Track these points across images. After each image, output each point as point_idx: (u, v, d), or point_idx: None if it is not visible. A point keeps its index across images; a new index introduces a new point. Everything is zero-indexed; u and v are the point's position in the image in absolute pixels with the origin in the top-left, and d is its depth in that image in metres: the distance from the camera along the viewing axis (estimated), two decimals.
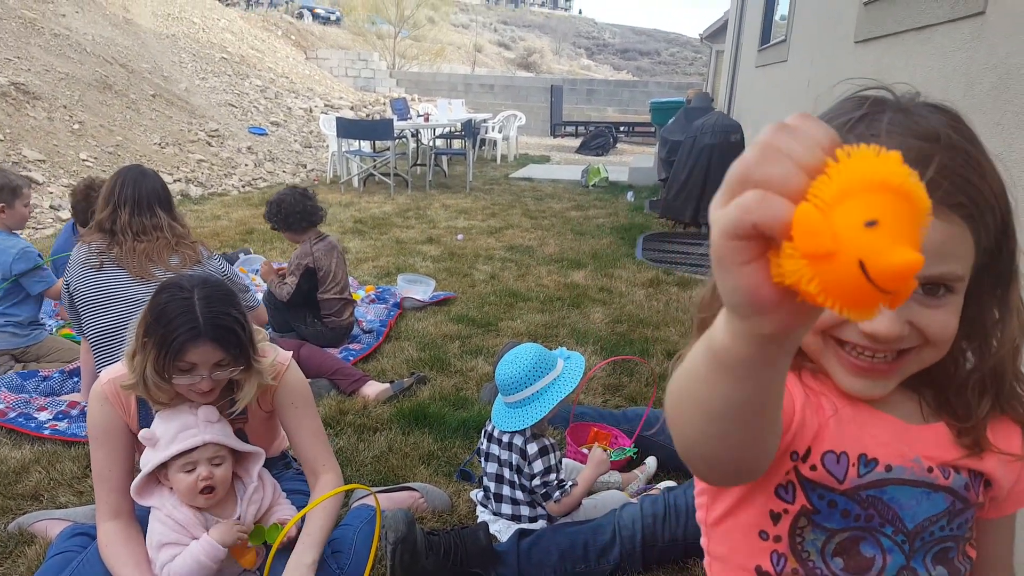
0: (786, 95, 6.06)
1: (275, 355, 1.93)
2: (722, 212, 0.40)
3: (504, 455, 2.24)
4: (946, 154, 0.70)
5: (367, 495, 2.34)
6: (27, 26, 8.66)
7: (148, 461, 1.75)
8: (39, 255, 3.28)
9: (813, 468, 0.80)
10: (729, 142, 6.83)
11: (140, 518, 1.87)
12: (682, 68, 52.93)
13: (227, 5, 20.63)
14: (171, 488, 1.78)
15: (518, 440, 2.21)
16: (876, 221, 0.36)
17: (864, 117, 0.74)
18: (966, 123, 0.75)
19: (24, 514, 2.24)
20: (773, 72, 7.15)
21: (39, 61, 8.15)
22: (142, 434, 1.75)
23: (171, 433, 1.74)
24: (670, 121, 9.13)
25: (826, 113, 0.80)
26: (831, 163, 0.39)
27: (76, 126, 7.58)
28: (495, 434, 2.28)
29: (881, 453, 0.81)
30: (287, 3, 29.13)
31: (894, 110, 0.74)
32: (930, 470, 0.81)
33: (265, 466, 2.06)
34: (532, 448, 2.18)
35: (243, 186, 8.88)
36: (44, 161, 6.72)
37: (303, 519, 1.86)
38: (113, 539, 1.78)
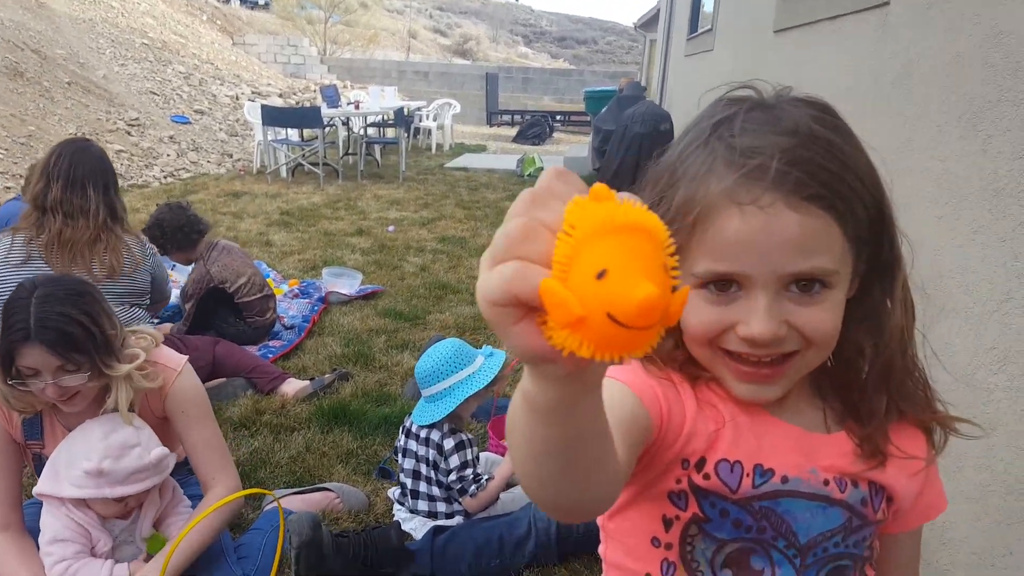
0: (712, 84, 6.14)
1: (152, 357, 1.83)
2: (484, 279, 0.40)
3: (421, 451, 2.21)
4: (803, 146, 0.69)
5: (282, 497, 2.28)
6: None
7: (84, 487, 1.63)
8: None
9: (707, 477, 0.78)
10: (659, 131, 6.91)
11: (30, 529, 1.78)
12: (619, 57, 53.38)
13: None
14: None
15: (435, 435, 2.18)
16: (605, 271, 0.37)
17: (725, 119, 0.73)
18: (833, 115, 0.74)
19: None
20: (700, 61, 7.25)
21: None
22: (89, 468, 1.62)
23: (121, 475, 1.65)
24: (603, 110, 9.20)
25: (696, 117, 0.79)
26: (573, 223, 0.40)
27: None
28: (413, 430, 2.25)
29: (778, 463, 0.78)
30: None
31: (756, 108, 0.73)
32: (826, 483, 0.79)
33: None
34: (449, 443, 2.16)
35: (165, 177, 8.56)
36: None
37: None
38: (4, 551, 1.70)
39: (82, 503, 1.68)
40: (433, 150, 12.52)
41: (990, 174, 1.67)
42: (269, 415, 2.88)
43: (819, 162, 0.69)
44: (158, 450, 1.68)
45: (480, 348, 2.30)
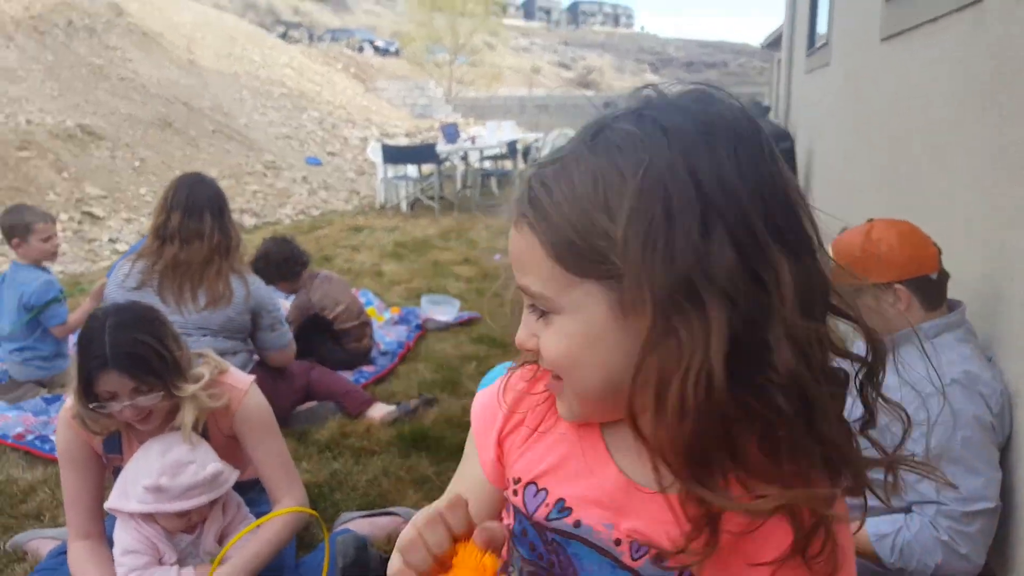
0: (828, 99, 5.84)
1: (218, 376, 1.91)
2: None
3: None
4: (547, 164, 0.67)
5: (351, 519, 2.32)
6: (95, 72, 9.21)
7: (145, 502, 1.73)
8: (60, 290, 3.42)
9: (515, 493, 0.78)
10: (778, 150, 6.63)
11: (110, 538, 1.90)
12: (751, 78, 51.94)
13: (289, 43, 21.44)
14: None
15: None
16: None
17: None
18: (620, 133, 0.64)
19: (22, 532, 2.32)
20: (819, 77, 6.91)
21: (105, 104, 8.65)
22: (148, 485, 1.72)
23: (178, 490, 1.74)
24: None
25: None
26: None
27: (137, 163, 7.97)
28: None
29: (578, 503, 0.72)
30: (348, 38, 30.08)
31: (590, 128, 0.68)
32: (618, 542, 0.70)
33: (240, 490, 2.07)
34: None
35: (296, 214, 9.14)
36: (105, 197, 7.09)
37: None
38: (82, 558, 1.83)
39: (149, 518, 1.78)
40: None
41: None
42: (353, 439, 2.96)
43: (544, 182, 0.66)
44: (213, 466, 1.76)
45: None
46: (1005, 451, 1.79)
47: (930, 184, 2.69)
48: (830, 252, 1.94)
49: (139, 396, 1.71)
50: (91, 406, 1.72)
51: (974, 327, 2.02)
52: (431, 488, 2.58)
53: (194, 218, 2.74)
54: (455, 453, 2.77)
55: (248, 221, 8.36)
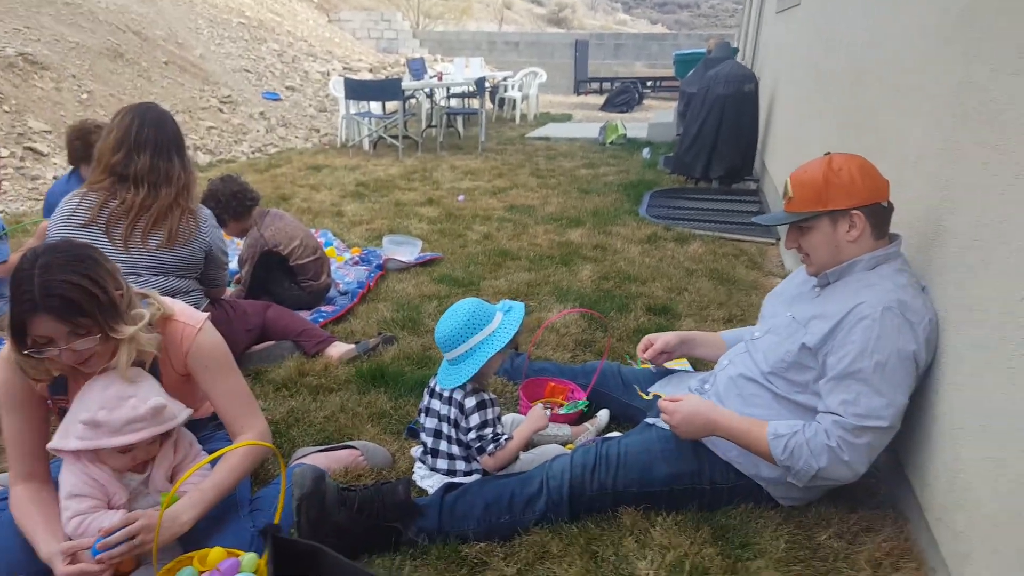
0: (800, 41, 5.80)
1: (166, 317, 1.88)
2: None
3: (444, 410, 2.21)
4: None
5: (307, 455, 2.34)
6: None
7: (84, 438, 1.71)
8: (2, 227, 3.31)
9: None
10: (742, 92, 6.59)
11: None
12: (722, 20, 51.23)
13: None
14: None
15: (457, 394, 2.19)
16: None
17: None
18: None
19: None
20: (789, 17, 6.86)
21: (49, 31, 8.23)
22: (85, 419, 1.69)
23: (117, 424, 1.70)
24: (689, 73, 8.86)
25: None
26: None
27: (84, 96, 7.66)
28: (437, 389, 2.25)
29: None
30: None
31: None
32: None
33: (193, 428, 2.07)
34: (470, 402, 2.16)
35: (252, 152, 8.92)
36: (50, 132, 6.81)
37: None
38: (24, 499, 1.79)
39: (95, 457, 1.76)
40: (517, 120, 12.47)
41: None
42: (311, 377, 2.96)
43: None
44: (154, 400, 1.73)
45: (498, 304, 2.27)
46: (930, 368, 1.91)
47: (887, 123, 2.72)
48: (789, 185, 2.00)
49: (76, 340, 1.65)
50: (25, 352, 1.65)
51: (914, 258, 2.11)
52: (389, 422, 2.61)
53: (163, 160, 2.60)
54: (414, 389, 2.81)
55: (203, 159, 8.13)
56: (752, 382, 2.08)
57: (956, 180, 1.92)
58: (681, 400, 2.07)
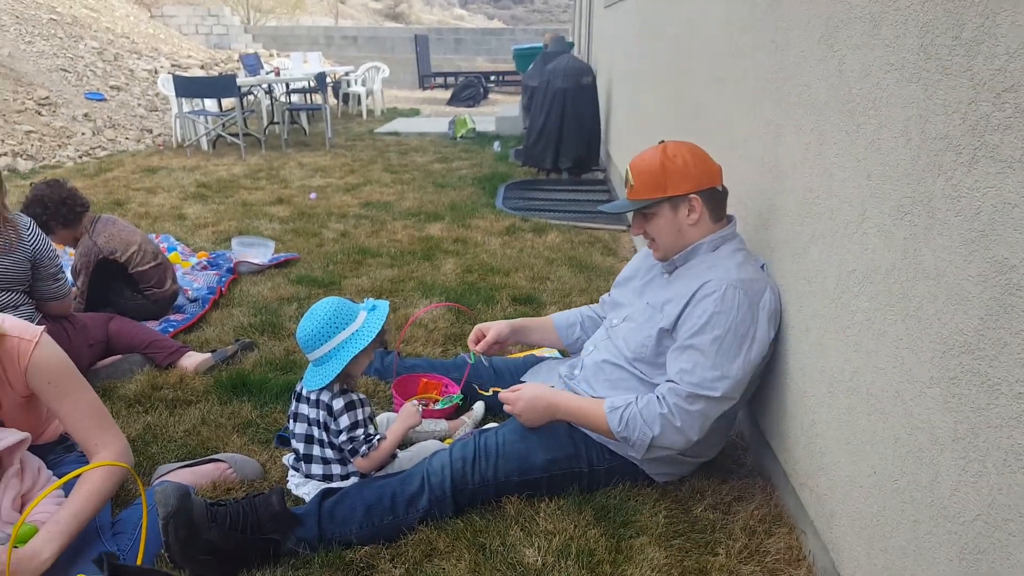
0: (629, 33, 6.09)
1: (3, 331, 1.72)
2: None
3: (312, 413, 2.14)
4: None
5: (170, 471, 2.20)
6: None
7: None
8: None
9: None
10: (580, 85, 6.84)
11: None
12: (555, 16, 52.63)
13: None
14: None
15: (325, 396, 2.12)
16: None
17: None
18: None
19: None
20: (617, 12, 7.18)
21: None
22: None
23: None
24: (529, 67, 9.07)
25: None
26: None
27: None
28: (304, 393, 2.18)
29: None
30: None
31: None
32: None
33: (41, 453, 1.90)
34: (338, 403, 2.10)
35: (80, 156, 8.18)
36: None
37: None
38: None
39: None
40: (364, 116, 12.25)
41: (844, 94, 1.66)
42: (166, 390, 2.78)
43: None
44: None
45: (362, 303, 2.23)
46: (778, 338, 2.07)
47: (713, 109, 2.92)
48: (630, 174, 2.10)
49: None
50: None
51: (752, 237, 2.29)
52: (256, 431, 2.50)
53: None
54: (280, 395, 2.71)
55: (23, 165, 7.38)
56: (617, 367, 2.16)
57: (782, 160, 2.10)
58: (520, 389, 2.13)
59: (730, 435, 2.36)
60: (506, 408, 2.12)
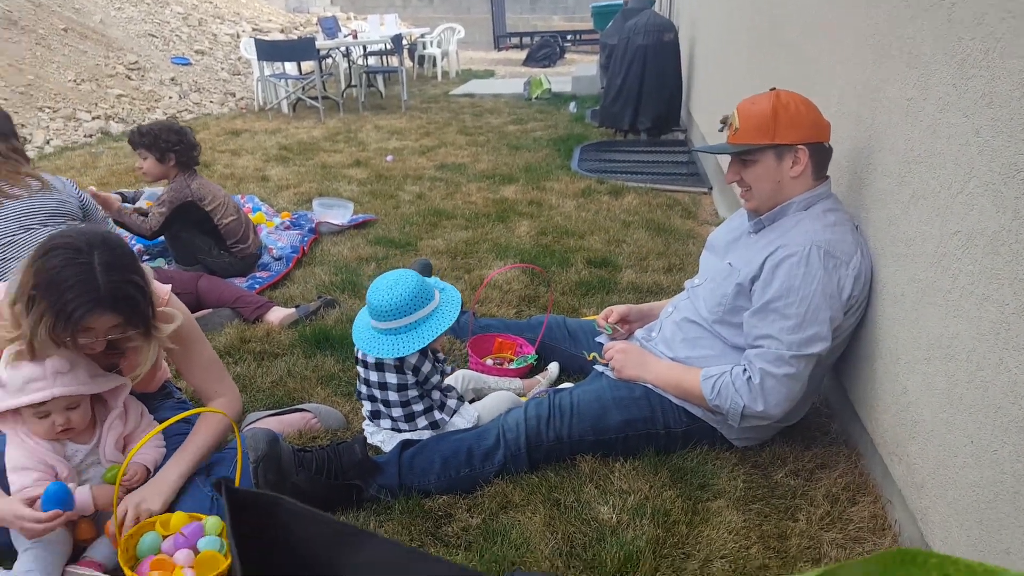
0: None
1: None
2: None
3: (376, 377, 2.15)
4: None
5: (259, 419, 2.30)
6: None
7: None
8: None
9: None
10: (662, 42, 6.65)
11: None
12: None
13: None
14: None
15: (412, 358, 2.13)
16: None
17: None
18: None
19: None
20: None
21: None
22: None
23: (18, 382, 1.65)
24: (608, 25, 8.86)
25: None
26: None
27: None
28: (369, 360, 2.18)
29: None
30: None
31: None
32: None
33: (144, 399, 2.01)
34: (427, 366, 2.15)
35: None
36: None
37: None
38: None
39: (26, 427, 1.71)
40: (439, 78, 12.26)
41: (953, 44, 1.56)
42: (254, 343, 2.89)
43: None
44: (53, 360, 1.67)
45: (432, 279, 2.26)
46: (870, 303, 1.99)
47: (806, 64, 2.79)
48: (736, 117, 2.02)
49: (113, 332, 1.69)
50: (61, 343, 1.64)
51: (847, 196, 2.18)
52: (339, 384, 2.58)
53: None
54: None
55: (115, 128, 7.71)
56: (696, 325, 2.13)
57: (879, 118, 1.99)
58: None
59: (814, 402, 2.30)
60: (605, 355, 2.20)
